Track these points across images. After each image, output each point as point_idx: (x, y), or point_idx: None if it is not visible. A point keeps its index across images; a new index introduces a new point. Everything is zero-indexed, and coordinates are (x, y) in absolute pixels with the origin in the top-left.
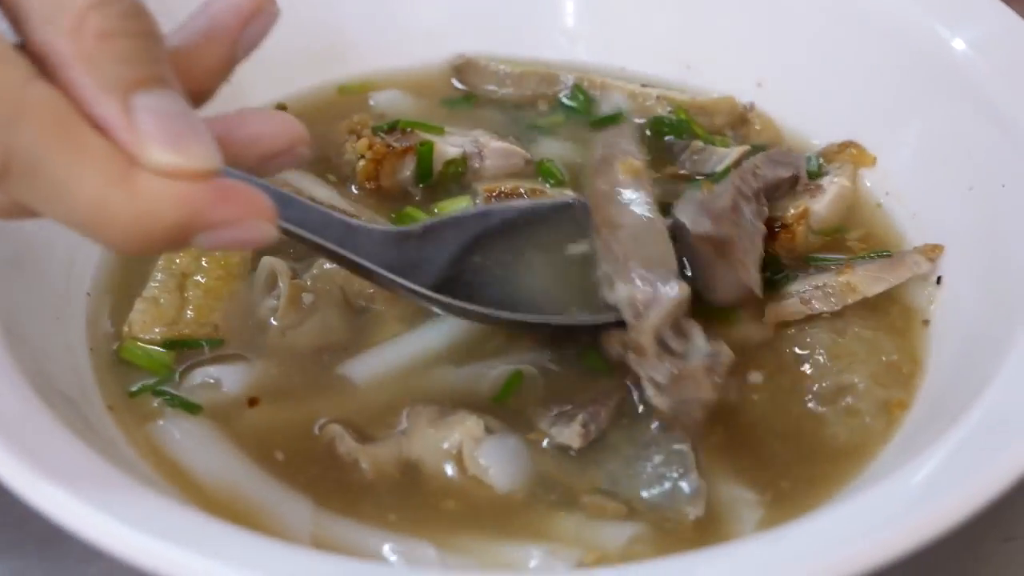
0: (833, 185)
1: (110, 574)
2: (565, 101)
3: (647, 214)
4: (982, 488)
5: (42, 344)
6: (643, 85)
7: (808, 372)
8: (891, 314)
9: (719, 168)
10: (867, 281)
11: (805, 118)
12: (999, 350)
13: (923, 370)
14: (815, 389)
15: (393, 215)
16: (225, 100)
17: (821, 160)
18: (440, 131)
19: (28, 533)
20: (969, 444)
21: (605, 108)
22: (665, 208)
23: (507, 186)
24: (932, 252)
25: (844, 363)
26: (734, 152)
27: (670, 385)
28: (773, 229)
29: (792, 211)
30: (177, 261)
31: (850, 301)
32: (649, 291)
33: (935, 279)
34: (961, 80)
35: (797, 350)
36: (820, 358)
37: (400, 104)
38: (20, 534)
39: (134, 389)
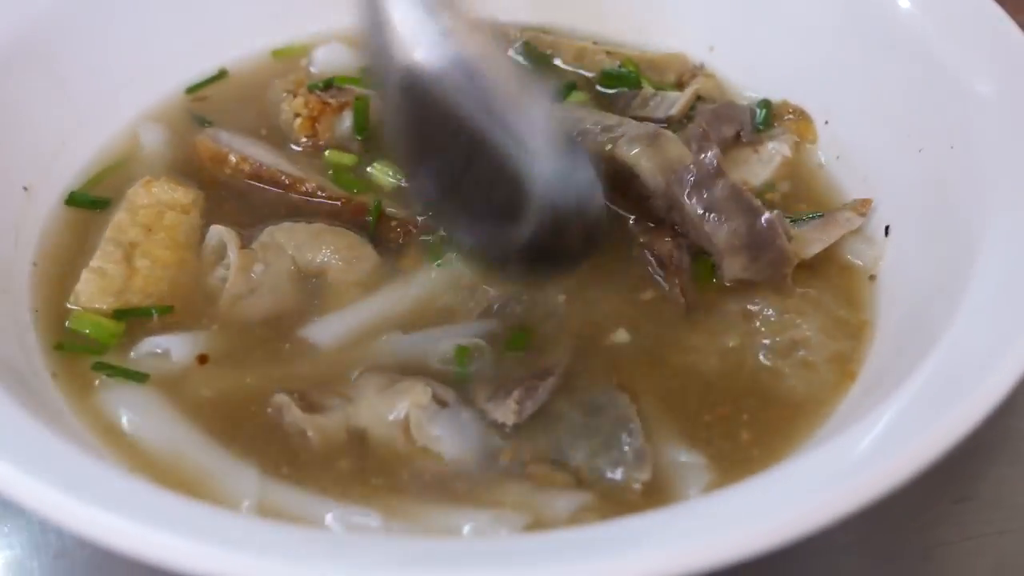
0: (776, 155)
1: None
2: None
3: None
4: (931, 445)
5: None
6: (594, 43)
7: (759, 328)
8: (832, 274)
9: (672, 112)
10: (802, 244)
11: (756, 82)
12: (947, 309)
13: (872, 325)
14: (767, 344)
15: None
16: (167, 66)
17: (764, 113)
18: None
19: None
20: (918, 402)
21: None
22: None
23: None
24: (862, 207)
25: (793, 318)
26: (685, 95)
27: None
28: None
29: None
30: (125, 231)
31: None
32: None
33: (883, 231)
34: (909, 42)
35: (748, 307)
36: (770, 315)
37: (342, 58)
38: None
39: (58, 342)
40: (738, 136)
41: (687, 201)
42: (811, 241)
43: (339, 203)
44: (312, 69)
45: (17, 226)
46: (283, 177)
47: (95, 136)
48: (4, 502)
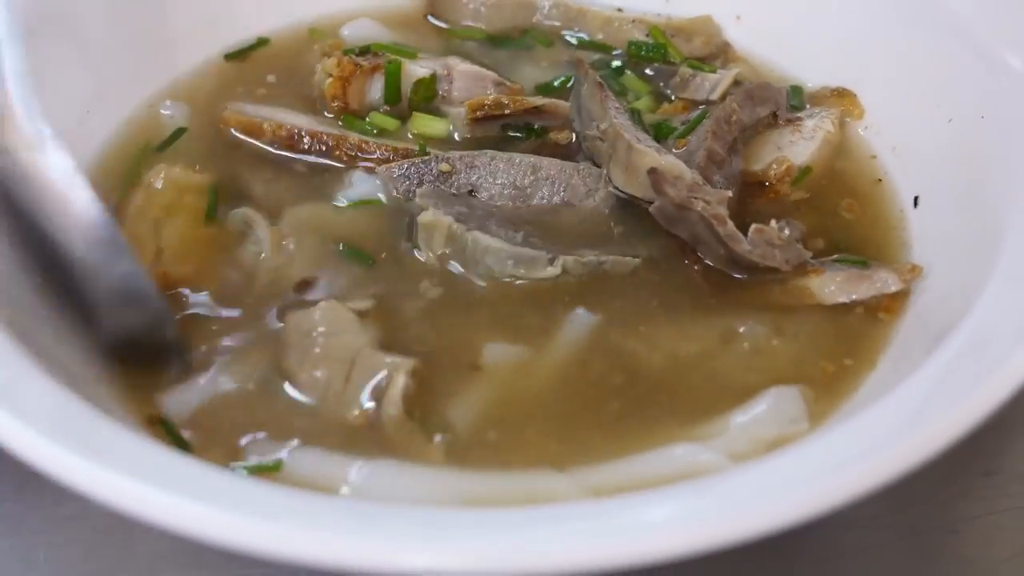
0: (818, 131)
1: (83, 512)
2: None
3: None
4: (960, 420)
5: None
6: (619, 10)
7: (725, 353)
8: (838, 317)
9: (713, 96)
10: (826, 290)
11: (784, 53)
12: (976, 281)
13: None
14: (716, 369)
15: (366, 122)
16: (193, 36)
17: (798, 94)
18: (413, 55)
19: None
20: (947, 375)
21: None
22: None
23: (490, 98)
24: (909, 273)
25: (762, 361)
26: (726, 78)
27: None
28: (762, 185)
29: (775, 168)
30: (146, 211)
31: (806, 303)
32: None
33: (911, 201)
34: (939, 12)
35: (734, 326)
36: (745, 346)
37: (373, 34)
38: None
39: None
40: (774, 116)
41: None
42: (835, 291)
43: (381, 154)
44: (347, 36)
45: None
46: (324, 136)
47: (119, 106)
48: None
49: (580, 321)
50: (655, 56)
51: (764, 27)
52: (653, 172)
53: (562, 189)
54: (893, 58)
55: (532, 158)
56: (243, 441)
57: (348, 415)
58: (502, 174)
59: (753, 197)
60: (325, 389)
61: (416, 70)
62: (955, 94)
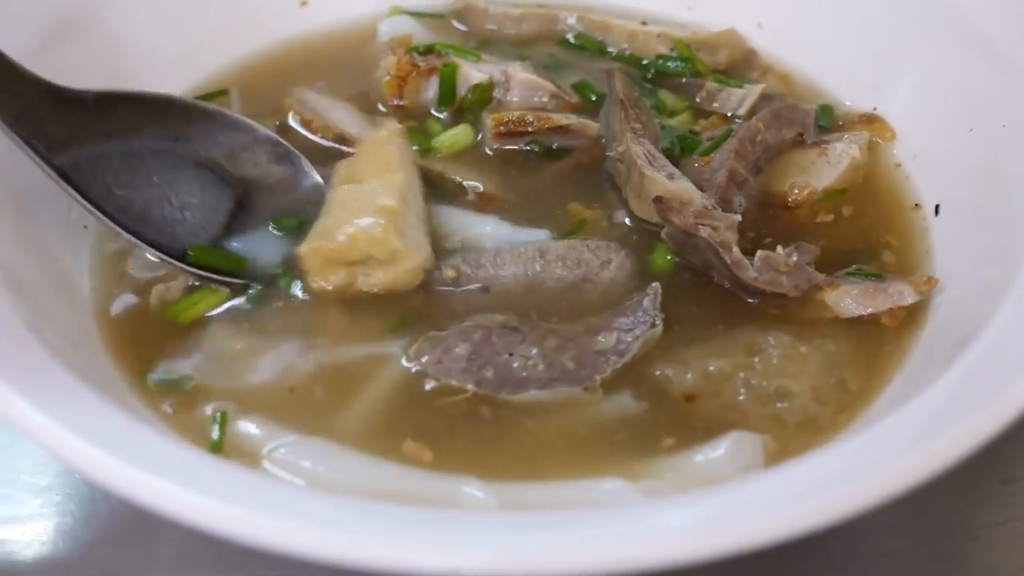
0: (844, 157)
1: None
2: (571, 40)
3: None
4: (982, 426)
5: (41, 286)
6: (643, 23)
7: (755, 364)
8: (860, 331)
9: (740, 111)
10: (842, 303)
11: (805, 60)
12: (997, 290)
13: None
14: (753, 383)
15: (412, 124)
16: (217, 34)
17: (827, 115)
18: (477, 56)
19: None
20: (969, 383)
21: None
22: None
23: (514, 114)
24: (924, 285)
25: (795, 367)
26: (753, 92)
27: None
28: (786, 205)
29: (796, 193)
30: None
31: (823, 317)
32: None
33: (933, 207)
34: (960, 21)
35: (758, 339)
36: (773, 355)
37: (410, 30)
38: None
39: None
40: (800, 138)
41: (687, 258)
42: (851, 304)
43: None
44: (379, 39)
45: (69, 198)
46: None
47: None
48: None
49: None
50: (683, 72)
51: (785, 35)
52: (658, 201)
53: (575, 266)
54: (915, 67)
55: (537, 244)
56: None
57: None
58: (509, 265)
59: (772, 217)
60: None
61: (473, 74)
62: (976, 103)
